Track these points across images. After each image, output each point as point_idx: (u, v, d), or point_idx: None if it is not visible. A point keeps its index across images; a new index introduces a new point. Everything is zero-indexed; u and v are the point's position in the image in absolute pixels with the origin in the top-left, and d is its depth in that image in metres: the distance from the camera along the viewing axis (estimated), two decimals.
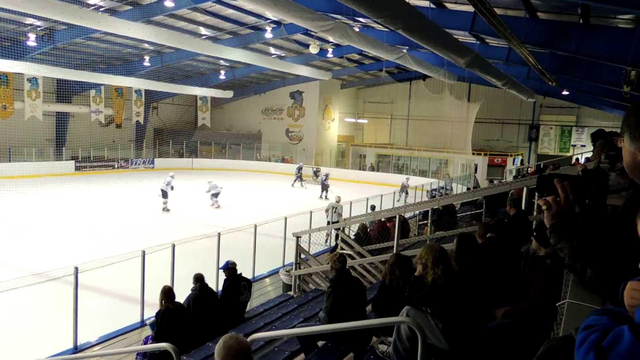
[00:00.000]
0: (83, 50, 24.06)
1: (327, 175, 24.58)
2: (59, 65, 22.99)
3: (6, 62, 20.41)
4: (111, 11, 18.00)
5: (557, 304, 1.77)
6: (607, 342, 0.84)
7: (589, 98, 22.84)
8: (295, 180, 27.86)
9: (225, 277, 7.26)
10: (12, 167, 24.15)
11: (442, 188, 24.02)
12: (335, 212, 14.68)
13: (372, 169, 33.81)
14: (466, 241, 4.44)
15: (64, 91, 26.99)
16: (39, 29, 19.94)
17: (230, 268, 7.18)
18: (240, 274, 7.34)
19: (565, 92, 22.25)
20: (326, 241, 13.21)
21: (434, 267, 3.38)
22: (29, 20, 18.91)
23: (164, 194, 18.46)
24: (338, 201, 15.33)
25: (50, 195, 19.96)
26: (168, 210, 18.32)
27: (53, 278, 8.61)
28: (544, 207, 1.59)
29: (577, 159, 21.36)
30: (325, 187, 23.59)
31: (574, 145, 32.08)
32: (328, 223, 13.73)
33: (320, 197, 22.97)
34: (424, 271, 3.45)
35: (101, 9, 17.73)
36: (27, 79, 25.93)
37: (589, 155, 14.82)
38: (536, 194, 5.57)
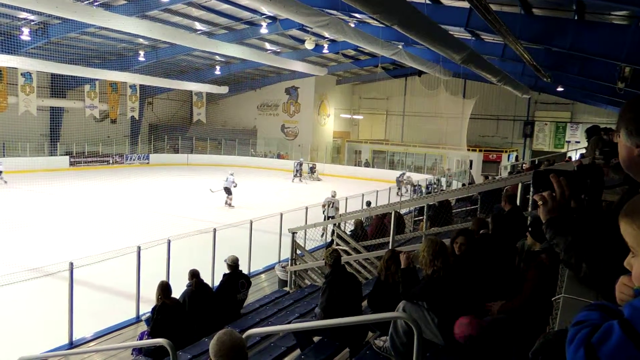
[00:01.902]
0: (77, 44, 23.89)
1: (402, 175, 25.89)
2: (53, 59, 22.78)
3: (0, 57, 20.24)
4: (106, 5, 17.85)
5: (552, 299, 1.78)
6: (597, 338, 0.83)
7: (584, 94, 22.92)
8: (294, 176, 27.98)
9: (224, 273, 7.21)
10: (6, 162, 23.97)
11: (434, 184, 24.17)
12: (332, 207, 14.70)
13: (368, 165, 33.82)
14: (468, 236, 4.48)
15: (59, 86, 26.84)
16: (32, 23, 19.77)
17: (229, 265, 7.12)
18: (241, 271, 7.30)
19: (560, 89, 22.29)
20: (322, 235, 13.23)
21: (434, 260, 3.43)
22: (23, 15, 18.73)
23: (228, 191, 19.16)
24: (334, 196, 15.33)
25: (44, 190, 19.86)
26: (233, 206, 18.85)
27: (48, 273, 8.58)
28: (539, 202, 1.59)
29: (569, 157, 21.47)
30: (400, 185, 24.49)
31: (569, 142, 32.18)
32: (325, 218, 13.74)
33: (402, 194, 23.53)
34: (423, 262, 3.51)
35: (95, 3, 17.58)
36: (21, 74, 25.76)
37: (583, 151, 14.88)
38: (531, 189, 5.59)
